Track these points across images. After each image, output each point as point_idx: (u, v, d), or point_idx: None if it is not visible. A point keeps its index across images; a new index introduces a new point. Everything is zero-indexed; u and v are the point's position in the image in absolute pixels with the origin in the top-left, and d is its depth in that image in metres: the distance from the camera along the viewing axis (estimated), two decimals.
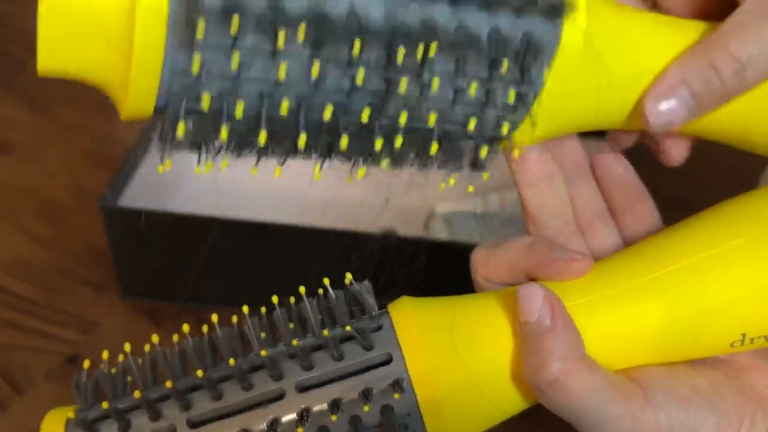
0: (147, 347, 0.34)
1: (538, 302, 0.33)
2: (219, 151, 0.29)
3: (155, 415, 0.32)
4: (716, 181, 0.40)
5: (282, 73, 0.27)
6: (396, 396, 0.32)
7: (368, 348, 0.33)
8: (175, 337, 0.34)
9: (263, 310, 0.34)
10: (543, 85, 0.32)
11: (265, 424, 0.32)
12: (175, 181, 0.80)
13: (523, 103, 0.32)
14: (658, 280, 0.35)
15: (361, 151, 0.31)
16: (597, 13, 0.33)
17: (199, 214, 0.68)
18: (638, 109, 0.35)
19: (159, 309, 0.67)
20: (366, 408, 0.32)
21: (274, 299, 0.34)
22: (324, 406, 0.32)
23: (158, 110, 0.27)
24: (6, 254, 0.72)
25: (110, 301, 0.68)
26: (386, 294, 0.38)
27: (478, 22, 0.30)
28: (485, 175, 0.34)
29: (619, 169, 0.38)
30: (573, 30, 0.32)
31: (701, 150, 0.40)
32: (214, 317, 0.34)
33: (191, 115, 0.27)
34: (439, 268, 0.60)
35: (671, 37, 0.35)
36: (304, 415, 0.32)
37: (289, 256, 0.66)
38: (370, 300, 0.34)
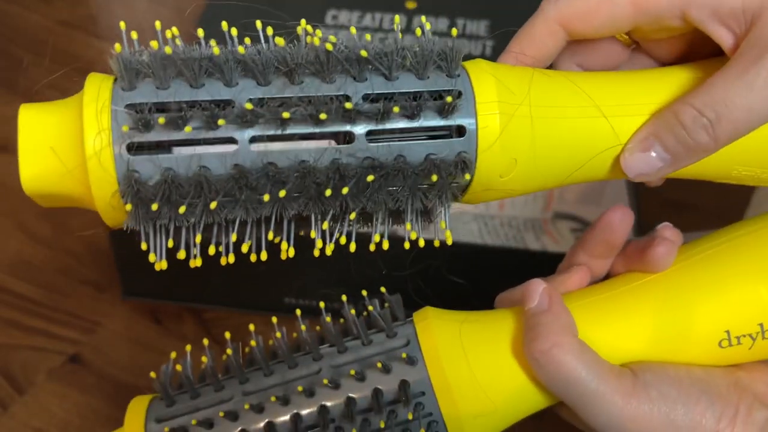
0: (228, 352, 0.42)
1: (539, 291, 0.38)
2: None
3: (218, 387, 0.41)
4: (716, 185, 0.40)
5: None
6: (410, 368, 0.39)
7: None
8: (253, 342, 0.42)
9: (298, 312, 0.42)
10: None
11: (303, 392, 0.39)
12: None
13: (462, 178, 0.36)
14: (647, 284, 0.39)
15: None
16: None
17: None
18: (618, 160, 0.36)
19: (160, 309, 0.67)
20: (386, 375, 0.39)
21: (321, 305, 0.42)
22: (352, 380, 0.39)
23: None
24: (7, 254, 0.72)
25: (111, 300, 0.68)
26: (386, 292, 0.43)
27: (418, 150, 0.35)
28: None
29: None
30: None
31: None
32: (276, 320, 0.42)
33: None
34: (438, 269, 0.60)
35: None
36: (335, 384, 0.39)
37: (287, 256, 0.65)
38: (399, 313, 0.41)
